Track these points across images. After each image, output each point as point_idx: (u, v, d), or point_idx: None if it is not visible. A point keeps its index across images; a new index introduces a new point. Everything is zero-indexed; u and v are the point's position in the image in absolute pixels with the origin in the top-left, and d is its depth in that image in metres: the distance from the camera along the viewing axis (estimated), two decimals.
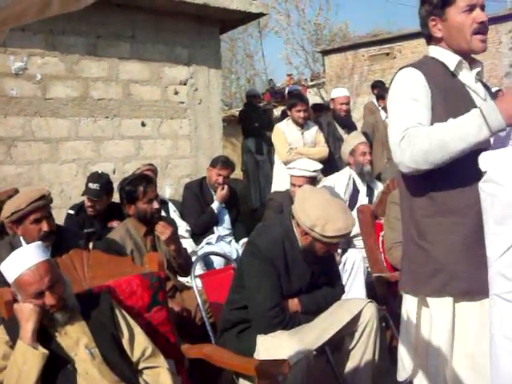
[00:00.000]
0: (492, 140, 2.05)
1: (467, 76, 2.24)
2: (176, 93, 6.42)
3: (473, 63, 2.27)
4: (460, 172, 2.01)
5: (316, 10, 24.84)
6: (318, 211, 2.95)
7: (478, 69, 2.28)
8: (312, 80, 21.89)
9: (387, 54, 17.80)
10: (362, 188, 5.07)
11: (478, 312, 2.11)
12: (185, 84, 6.50)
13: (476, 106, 2.03)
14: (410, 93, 2.11)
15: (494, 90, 11.49)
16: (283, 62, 25.14)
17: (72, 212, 4.86)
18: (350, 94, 7.06)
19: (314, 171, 4.65)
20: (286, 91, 11.73)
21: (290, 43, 24.74)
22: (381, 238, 4.23)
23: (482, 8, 2.18)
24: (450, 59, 2.22)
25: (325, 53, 20.13)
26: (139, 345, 2.48)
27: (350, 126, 6.46)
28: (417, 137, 1.96)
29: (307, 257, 3.09)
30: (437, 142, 1.91)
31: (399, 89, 2.17)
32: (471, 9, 2.14)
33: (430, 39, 2.30)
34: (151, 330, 2.76)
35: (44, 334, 2.29)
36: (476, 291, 2.06)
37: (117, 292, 2.73)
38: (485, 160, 1.78)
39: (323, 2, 24.90)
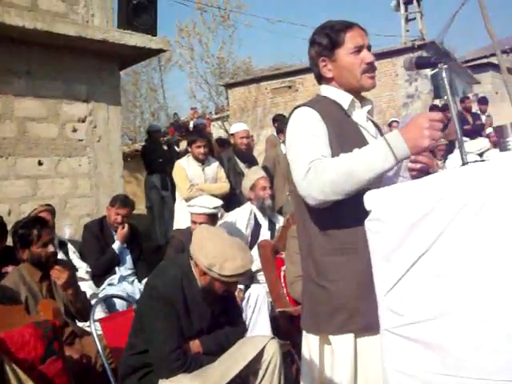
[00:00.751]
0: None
1: (359, 114, 2.31)
2: (74, 130, 6.28)
3: (363, 101, 2.35)
4: (354, 209, 2.00)
5: (219, 43, 25.20)
6: (216, 250, 2.94)
7: (369, 107, 2.36)
8: (217, 113, 22.09)
9: (289, 87, 18.23)
10: (264, 222, 5.11)
11: (378, 346, 2.14)
12: (83, 121, 6.37)
13: (367, 144, 2.10)
14: (309, 129, 2.13)
15: (390, 120, 12.02)
16: (188, 95, 25.18)
17: None
18: (254, 127, 7.15)
19: (215, 208, 4.64)
20: (191, 125, 11.74)
21: (193, 77, 24.92)
22: (282, 273, 4.27)
23: (369, 48, 2.27)
24: (343, 98, 2.28)
25: (228, 86, 20.42)
26: None
27: (250, 161, 6.53)
28: (323, 168, 1.96)
29: (207, 296, 3.07)
30: (343, 171, 1.93)
31: (298, 126, 2.18)
32: (359, 50, 2.23)
33: (321, 78, 2.36)
34: (46, 382, 2.64)
35: None
36: (376, 325, 2.08)
37: (7, 344, 2.59)
38: (369, 199, 1.82)
39: (226, 36, 25.28)
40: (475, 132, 10.24)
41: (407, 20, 23.78)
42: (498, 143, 1.96)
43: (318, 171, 1.97)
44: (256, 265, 4.63)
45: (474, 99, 13.77)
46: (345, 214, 2.10)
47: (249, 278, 4.49)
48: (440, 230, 1.63)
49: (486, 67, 27.46)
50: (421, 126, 1.89)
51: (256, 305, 4.51)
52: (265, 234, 5.03)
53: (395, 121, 11.82)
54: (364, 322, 2.14)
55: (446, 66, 1.92)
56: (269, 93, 18.62)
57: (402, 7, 23.50)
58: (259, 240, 4.83)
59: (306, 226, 2.27)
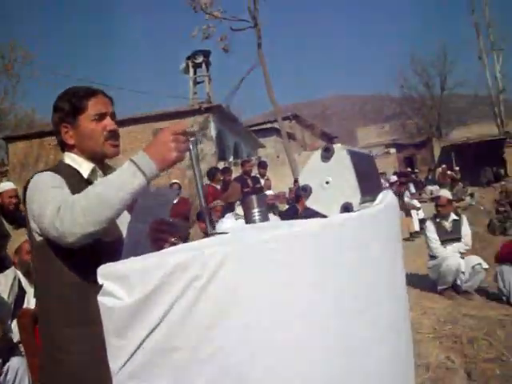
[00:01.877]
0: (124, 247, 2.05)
1: None
2: None
3: (107, 169, 2.31)
4: (91, 282, 1.89)
5: (1, 94, 24.31)
6: None
7: None
8: None
9: None
10: (29, 290, 4.76)
11: None
12: None
13: None
14: (53, 183, 2.03)
15: (172, 181, 12.20)
16: None
17: None
18: None
19: None
20: None
21: None
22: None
23: (112, 116, 2.26)
24: (84, 167, 2.24)
25: (8, 140, 19.59)
26: None
27: (19, 221, 6.10)
28: (73, 199, 1.85)
29: None
30: (94, 196, 1.83)
31: (40, 185, 2.04)
32: (101, 117, 2.21)
33: (64, 145, 2.29)
34: None
35: None
36: None
37: None
38: (101, 273, 1.74)
39: (9, 86, 24.47)
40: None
41: (195, 83, 24.78)
42: (246, 215, 1.99)
43: (68, 205, 1.84)
44: (17, 336, 4.30)
45: (255, 162, 14.53)
46: (79, 287, 2.03)
47: (8, 350, 4.12)
48: (170, 303, 1.61)
49: (271, 131, 29.53)
50: (165, 140, 1.88)
51: (15, 380, 4.16)
52: (30, 301, 4.69)
53: (176, 182, 12.07)
54: None
55: (193, 139, 1.94)
56: (52, 148, 18.09)
57: (191, 70, 24.50)
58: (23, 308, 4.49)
59: (43, 297, 2.16)
